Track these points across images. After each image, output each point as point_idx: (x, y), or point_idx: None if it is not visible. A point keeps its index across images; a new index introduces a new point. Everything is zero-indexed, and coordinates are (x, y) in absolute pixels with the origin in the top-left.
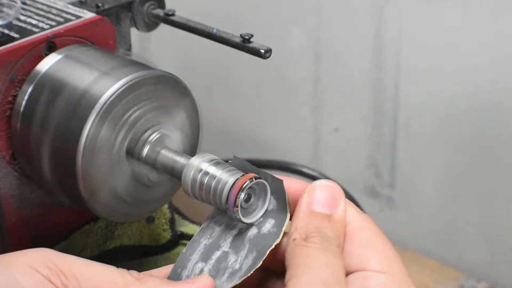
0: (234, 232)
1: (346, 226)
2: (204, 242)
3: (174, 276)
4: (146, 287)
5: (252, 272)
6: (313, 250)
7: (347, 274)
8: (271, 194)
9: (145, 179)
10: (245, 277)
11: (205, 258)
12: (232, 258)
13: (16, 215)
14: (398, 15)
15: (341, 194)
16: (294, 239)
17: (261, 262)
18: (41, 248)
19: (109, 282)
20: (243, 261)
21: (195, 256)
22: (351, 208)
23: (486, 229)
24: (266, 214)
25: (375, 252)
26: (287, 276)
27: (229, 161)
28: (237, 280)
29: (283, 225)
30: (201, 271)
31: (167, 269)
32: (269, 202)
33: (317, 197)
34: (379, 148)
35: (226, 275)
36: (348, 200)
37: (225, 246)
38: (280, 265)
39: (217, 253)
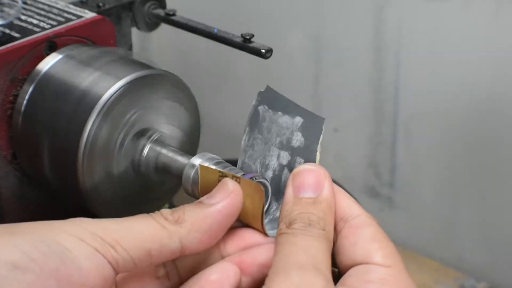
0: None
1: (354, 219)
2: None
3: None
4: (187, 228)
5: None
6: (293, 236)
7: (351, 266)
8: (300, 130)
9: (145, 178)
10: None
11: None
12: None
13: (16, 215)
14: (398, 15)
15: (326, 175)
16: (280, 229)
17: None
18: (76, 218)
19: (155, 241)
20: None
21: None
22: (357, 205)
23: (486, 229)
24: (294, 152)
25: (380, 247)
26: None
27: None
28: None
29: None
30: None
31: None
32: (297, 140)
33: (300, 183)
34: (379, 148)
35: None
36: (353, 198)
37: None
38: None
39: None
